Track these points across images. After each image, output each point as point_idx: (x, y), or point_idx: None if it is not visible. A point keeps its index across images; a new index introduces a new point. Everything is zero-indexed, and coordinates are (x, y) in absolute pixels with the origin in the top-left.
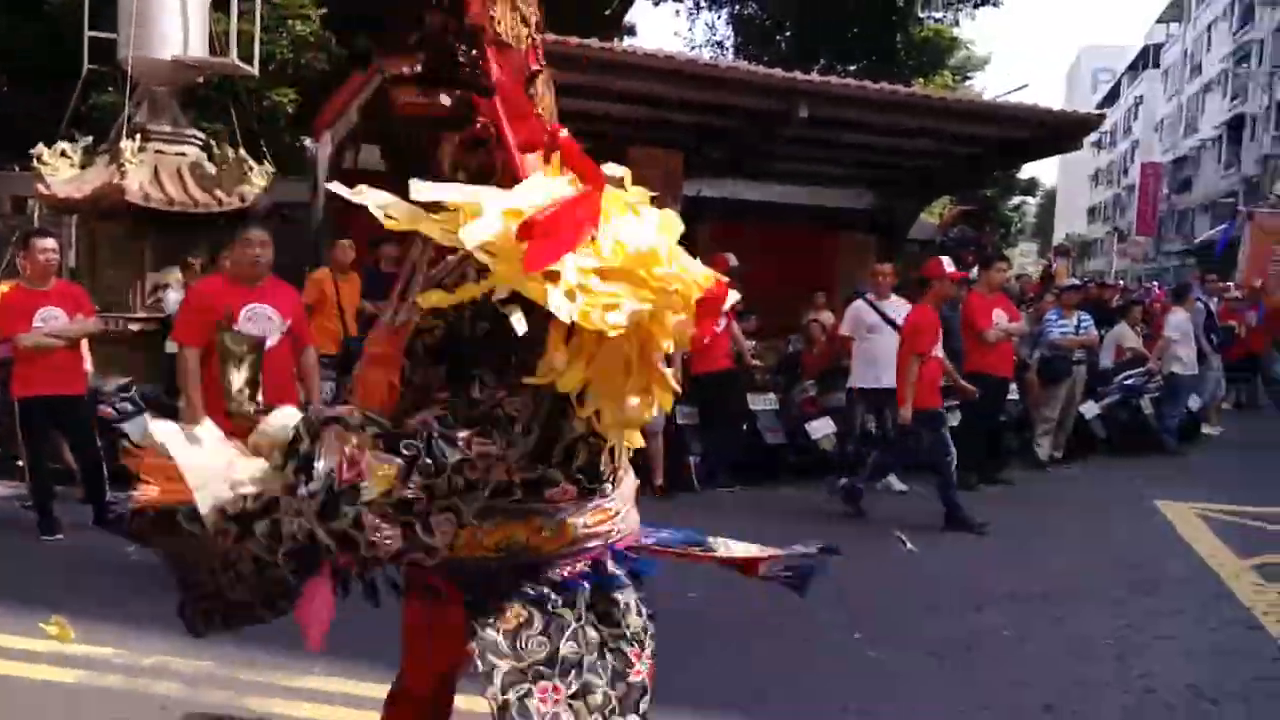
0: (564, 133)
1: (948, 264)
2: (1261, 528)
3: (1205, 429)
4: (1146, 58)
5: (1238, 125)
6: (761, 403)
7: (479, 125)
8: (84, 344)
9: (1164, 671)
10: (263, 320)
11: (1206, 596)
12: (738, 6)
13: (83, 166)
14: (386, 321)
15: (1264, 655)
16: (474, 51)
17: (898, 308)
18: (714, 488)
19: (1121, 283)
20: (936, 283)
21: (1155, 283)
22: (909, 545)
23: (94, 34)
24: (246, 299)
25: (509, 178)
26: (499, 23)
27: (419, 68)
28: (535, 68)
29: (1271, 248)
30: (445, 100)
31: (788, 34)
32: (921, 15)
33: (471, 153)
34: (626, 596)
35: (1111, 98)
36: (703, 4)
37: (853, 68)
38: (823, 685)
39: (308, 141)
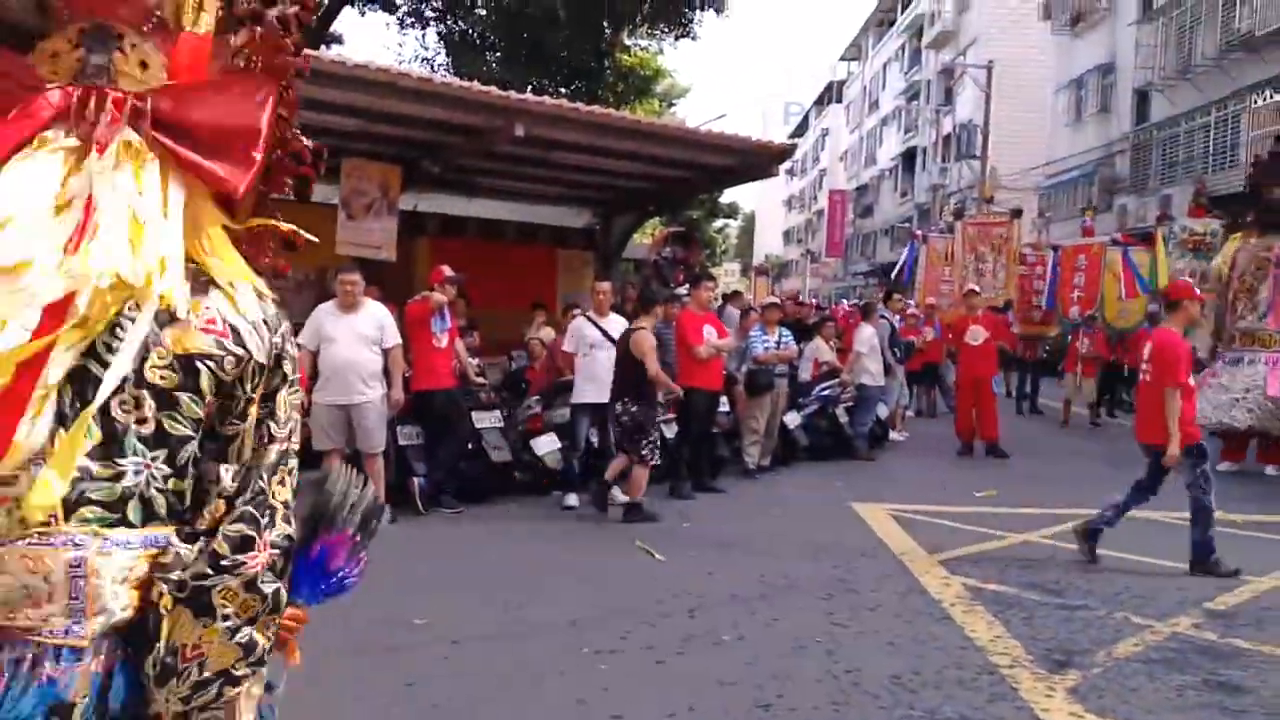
0: None
1: (1195, 285)
2: (944, 525)
3: (893, 435)
4: (831, 92)
5: (911, 157)
6: (486, 420)
7: None
8: None
9: (868, 664)
10: None
11: (902, 591)
12: (448, 22)
13: None
14: None
15: (953, 644)
16: None
17: (616, 325)
18: (439, 509)
19: (815, 300)
20: (1187, 304)
21: (844, 300)
22: (657, 555)
23: None
24: None
25: None
26: None
27: None
28: None
29: (942, 268)
30: None
31: (497, 54)
32: (628, 42)
33: None
34: None
35: (802, 128)
36: (408, 21)
37: (564, 90)
38: (549, 697)
39: None
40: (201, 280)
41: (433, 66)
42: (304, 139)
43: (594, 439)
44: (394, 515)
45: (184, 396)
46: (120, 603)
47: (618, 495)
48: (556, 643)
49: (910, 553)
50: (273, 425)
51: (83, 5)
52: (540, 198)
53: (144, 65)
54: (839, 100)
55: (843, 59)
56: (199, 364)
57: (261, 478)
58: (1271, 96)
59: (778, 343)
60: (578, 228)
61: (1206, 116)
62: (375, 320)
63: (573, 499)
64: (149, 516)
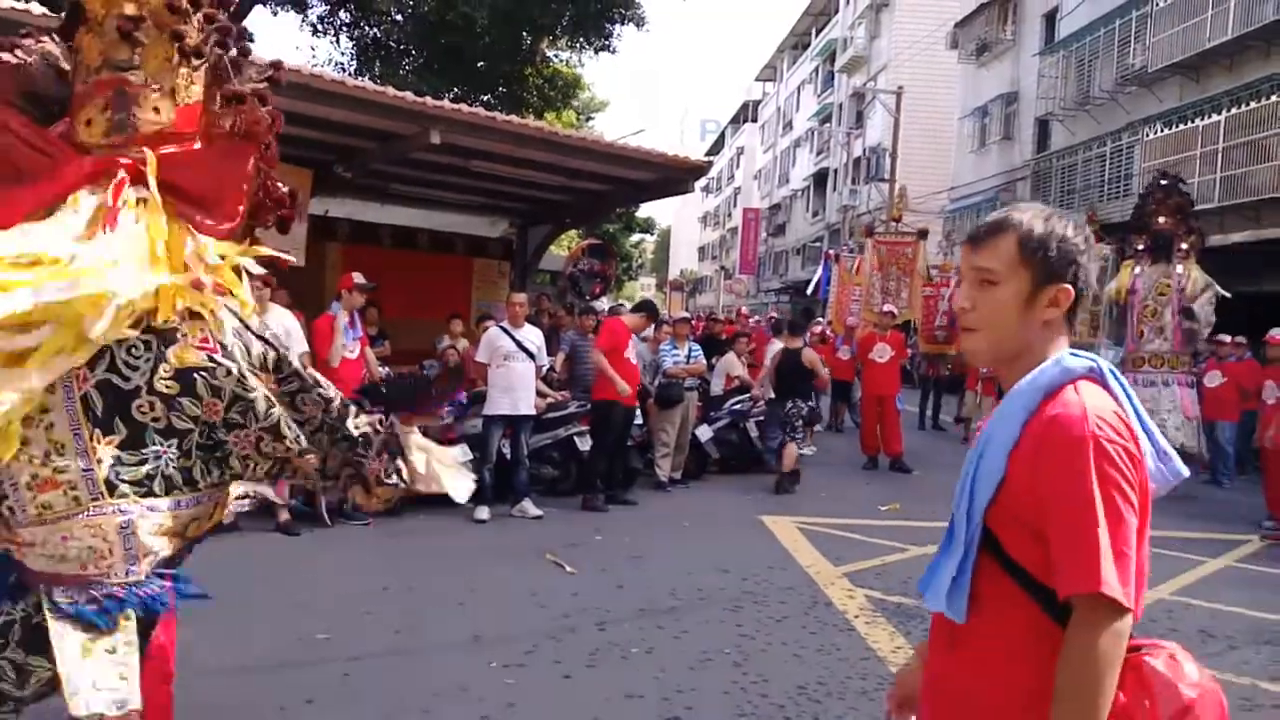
0: None
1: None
2: (850, 537)
3: (801, 449)
4: (747, 112)
5: (822, 178)
6: None
7: None
8: None
9: (775, 675)
10: None
11: (808, 603)
12: (363, 28)
13: None
14: None
15: (856, 654)
16: None
17: (532, 336)
18: (345, 521)
19: (742, 313)
20: None
21: (756, 317)
22: (568, 568)
23: None
24: None
25: None
26: None
27: None
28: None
29: (853, 288)
30: None
31: (415, 63)
32: (550, 54)
33: None
34: None
35: (718, 146)
36: (321, 28)
37: (485, 97)
38: (452, 713)
39: None
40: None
41: (347, 73)
42: (282, 186)
43: (505, 451)
44: (298, 528)
45: (185, 400)
46: (162, 545)
47: (529, 509)
48: (461, 657)
49: (816, 565)
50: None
51: (104, 84)
52: (456, 206)
53: (156, 110)
54: (754, 120)
55: (758, 79)
56: (194, 375)
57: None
58: (1162, 130)
59: (687, 357)
60: (494, 238)
61: (1103, 147)
62: (281, 326)
63: (484, 512)
64: (170, 487)
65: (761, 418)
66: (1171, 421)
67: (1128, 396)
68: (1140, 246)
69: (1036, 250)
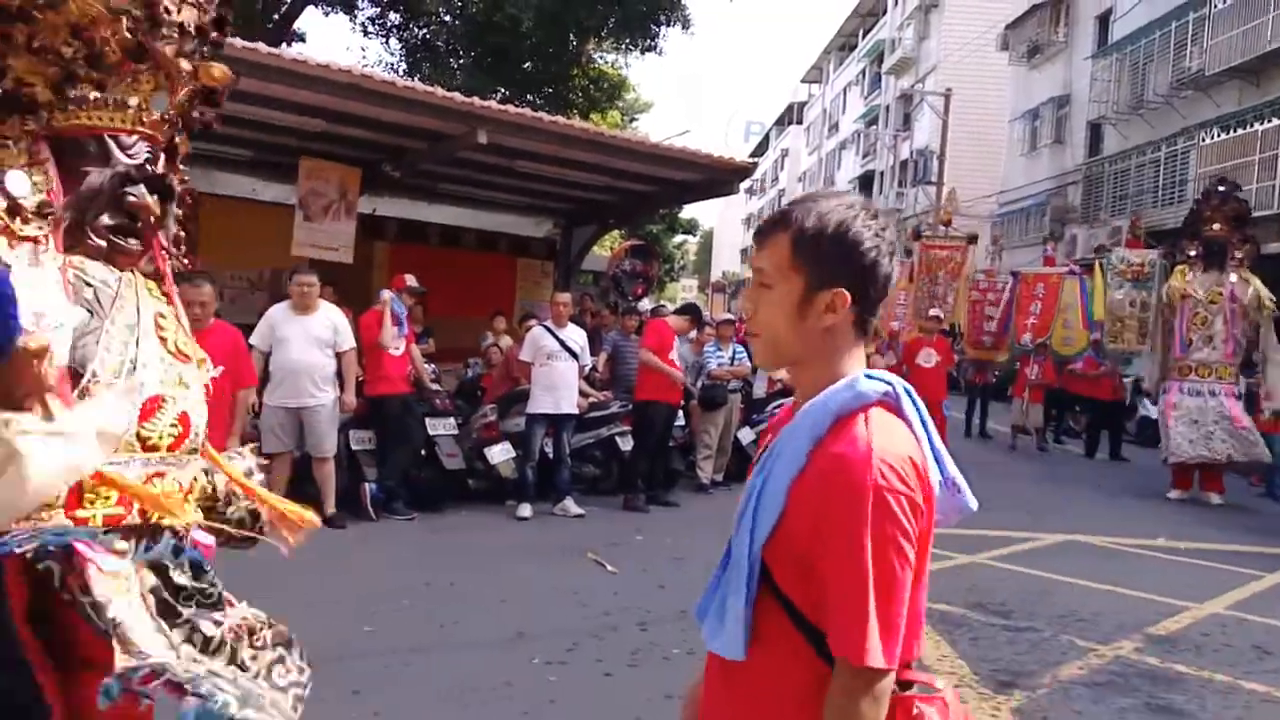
0: None
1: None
2: None
3: None
4: (792, 113)
5: (868, 180)
6: (441, 427)
7: None
8: None
9: None
10: None
11: None
12: (412, 29)
13: None
14: None
15: None
16: None
17: (575, 336)
18: (391, 516)
19: None
20: None
21: None
22: (609, 567)
23: None
24: None
25: None
26: None
27: None
28: None
29: (899, 292)
30: None
31: (462, 63)
32: (596, 56)
33: None
34: None
35: (762, 148)
36: (371, 30)
37: (530, 97)
38: (494, 708)
39: None
40: None
41: (396, 73)
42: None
43: (548, 449)
44: (343, 521)
45: None
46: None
47: (570, 507)
48: (504, 653)
49: None
50: None
51: None
52: (501, 206)
53: None
54: (799, 122)
55: (804, 81)
56: None
57: None
58: (1219, 135)
59: (731, 359)
60: (538, 237)
61: (1156, 152)
62: (329, 323)
63: (526, 509)
64: None
65: None
66: (1219, 434)
67: (921, 421)
68: (1192, 253)
69: (808, 250)
